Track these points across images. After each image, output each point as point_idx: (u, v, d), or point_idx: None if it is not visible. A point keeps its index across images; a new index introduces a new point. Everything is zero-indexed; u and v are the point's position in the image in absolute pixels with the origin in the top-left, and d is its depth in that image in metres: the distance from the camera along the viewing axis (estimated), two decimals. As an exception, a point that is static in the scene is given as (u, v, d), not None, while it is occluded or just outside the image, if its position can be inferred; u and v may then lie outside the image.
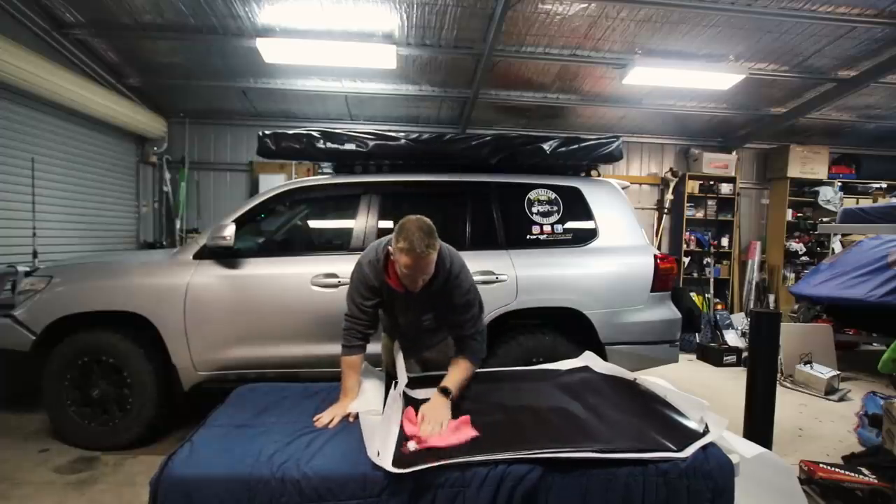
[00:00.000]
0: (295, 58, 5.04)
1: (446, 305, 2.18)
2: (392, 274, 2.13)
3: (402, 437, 1.73)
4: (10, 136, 4.30)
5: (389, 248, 2.07)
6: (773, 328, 3.06)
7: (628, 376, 2.29)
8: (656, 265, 3.37)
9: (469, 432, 1.76)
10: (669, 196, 7.37)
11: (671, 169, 7.45)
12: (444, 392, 1.97)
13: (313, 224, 3.75)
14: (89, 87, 4.91)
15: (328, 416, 1.97)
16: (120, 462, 2.99)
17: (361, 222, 3.32)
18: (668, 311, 3.44)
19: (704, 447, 1.66)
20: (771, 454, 1.76)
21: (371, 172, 3.51)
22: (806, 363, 4.84)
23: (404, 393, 2.08)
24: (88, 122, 5.26)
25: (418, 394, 2.13)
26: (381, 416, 1.90)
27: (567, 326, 3.26)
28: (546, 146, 3.50)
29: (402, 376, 2.17)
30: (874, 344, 5.97)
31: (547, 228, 3.42)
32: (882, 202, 7.05)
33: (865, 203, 6.77)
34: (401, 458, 1.59)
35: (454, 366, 2.13)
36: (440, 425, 1.78)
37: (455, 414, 1.92)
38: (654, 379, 2.18)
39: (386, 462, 1.55)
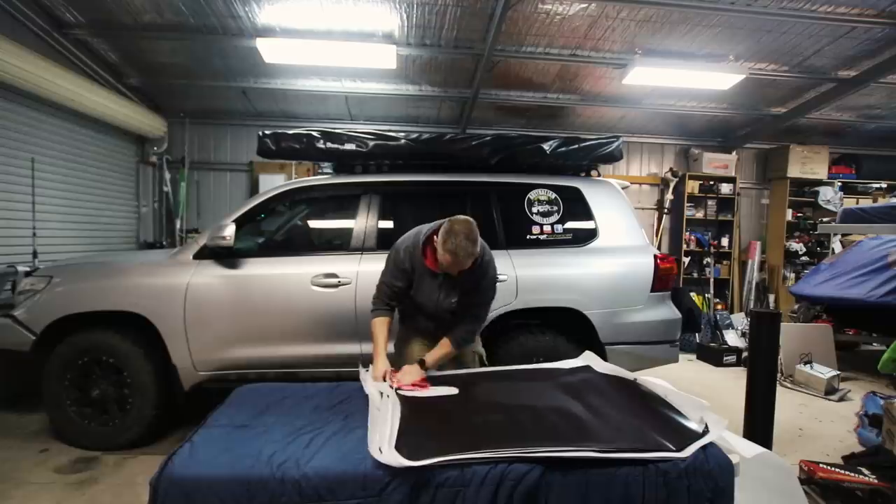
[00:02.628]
0: (295, 58, 5.04)
1: (471, 293, 2.44)
2: (430, 256, 2.38)
3: (402, 433, 1.73)
4: (10, 136, 4.29)
5: (435, 237, 2.30)
6: (773, 328, 3.06)
7: (628, 376, 2.29)
8: (656, 265, 3.38)
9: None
10: (669, 196, 7.37)
11: (671, 169, 7.45)
12: (421, 363, 2.32)
13: (313, 224, 3.75)
14: (89, 87, 4.91)
15: (376, 377, 2.26)
16: (120, 462, 2.99)
17: (361, 222, 3.32)
18: (668, 311, 3.44)
19: (704, 447, 1.66)
20: (771, 454, 1.76)
21: (371, 172, 3.51)
22: (806, 363, 4.84)
23: (398, 391, 2.10)
24: (88, 122, 5.25)
25: (411, 393, 2.14)
26: (379, 412, 1.91)
27: (567, 326, 3.27)
28: (546, 146, 3.50)
29: (383, 384, 2.22)
30: (874, 344, 5.96)
31: (547, 228, 3.42)
32: (882, 202, 7.04)
33: (865, 203, 6.77)
34: (402, 450, 1.59)
35: (441, 344, 2.42)
36: (413, 378, 2.20)
37: (456, 413, 1.93)
38: (654, 379, 2.18)
39: (387, 457, 1.55)
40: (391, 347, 2.56)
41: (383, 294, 2.47)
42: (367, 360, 2.48)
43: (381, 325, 2.44)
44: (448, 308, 2.46)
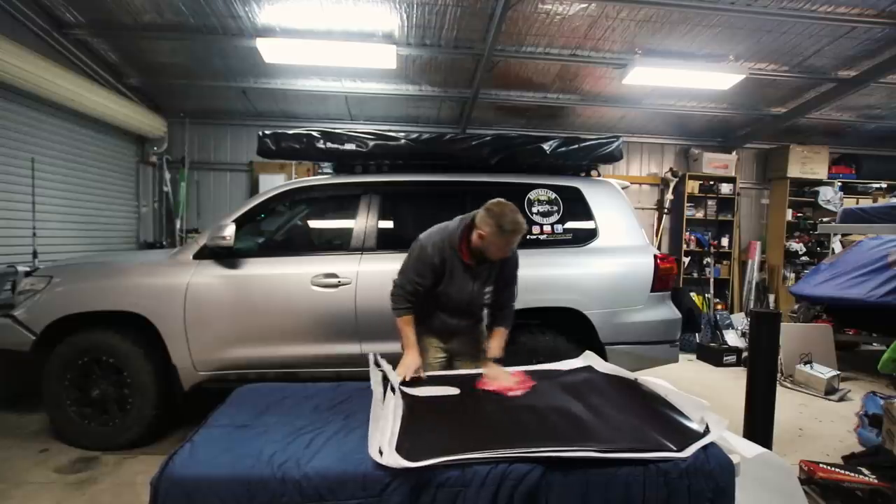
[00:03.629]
0: (295, 58, 5.04)
1: (504, 277, 2.50)
2: (464, 250, 2.36)
3: (403, 433, 1.73)
4: (10, 136, 4.29)
5: (479, 233, 2.28)
6: (773, 328, 3.06)
7: (629, 376, 2.29)
8: (656, 265, 3.38)
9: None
10: (669, 196, 7.37)
11: (671, 169, 7.45)
12: (497, 361, 2.38)
13: (313, 224, 3.75)
14: (89, 87, 4.91)
15: (404, 370, 2.25)
16: (120, 462, 2.99)
17: (361, 222, 3.32)
18: (668, 311, 3.44)
19: (705, 447, 1.66)
20: (771, 454, 1.76)
21: (371, 172, 3.51)
22: (806, 363, 4.84)
23: (402, 390, 2.10)
24: (88, 122, 5.25)
25: (415, 391, 2.14)
26: (381, 411, 1.90)
27: (567, 326, 3.26)
28: (546, 146, 3.51)
29: (394, 377, 2.21)
30: (874, 344, 5.97)
31: (547, 228, 3.42)
32: (882, 202, 7.04)
33: (865, 203, 6.77)
34: (402, 451, 1.59)
35: (496, 334, 2.51)
36: (509, 380, 2.20)
37: (456, 413, 1.94)
38: (655, 379, 2.17)
39: (387, 459, 1.55)
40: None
41: (405, 292, 2.41)
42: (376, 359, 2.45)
43: (408, 323, 2.42)
44: (482, 300, 2.48)
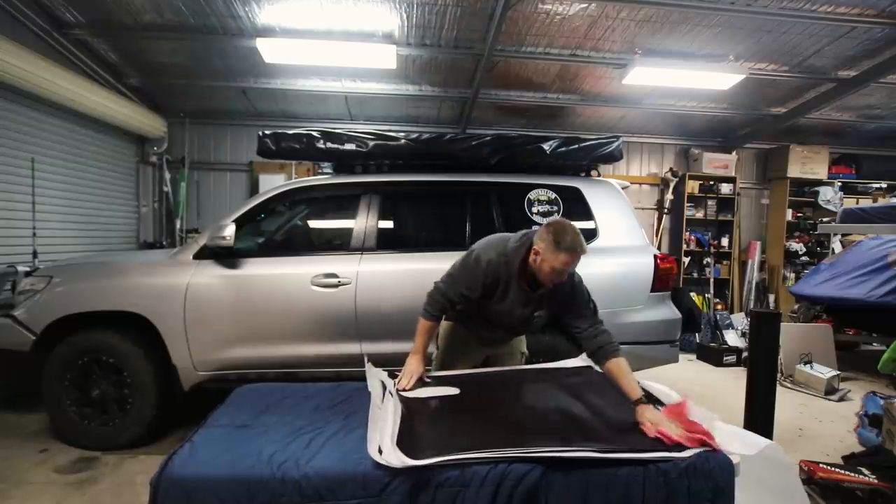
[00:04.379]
0: (295, 58, 5.04)
1: (569, 305, 2.24)
2: (522, 272, 2.18)
3: (403, 433, 1.73)
4: (10, 136, 4.29)
5: (535, 250, 2.10)
6: (773, 328, 3.07)
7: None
8: (656, 265, 3.37)
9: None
10: (669, 196, 7.37)
11: (671, 169, 7.45)
12: (643, 402, 1.90)
13: (313, 224, 3.75)
14: (89, 87, 4.91)
15: (406, 380, 2.18)
16: (120, 462, 2.99)
17: (361, 222, 3.32)
18: (668, 311, 3.43)
19: (704, 447, 1.66)
20: (777, 446, 1.74)
21: (371, 172, 3.51)
22: (806, 363, 4.84)
23: (399, 392, 2.10)
24: (88, 122, 5.25)
25: (415, 394, 2.14)
26: (380, 411, 1.90)
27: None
28: (546, 146, 3.51)
29: (387, 379, 2.23)
30: (874, 344, 5.97)
31: (547, 228, 3.42)
32: (882, 202, 7.04)
33: (865, 203, 6.77)
34: (402, 450, 1.59)
35: (616, 370, 2.04)
36: (676, 426, 1.76)
37: (456, 413, 1.93)
38: (659, 386, 2.16)
39: (387, 457, 1.55)
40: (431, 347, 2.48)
41: (446, 300, 2.27)
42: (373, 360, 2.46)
43: (427, 329, 2.30)
44: (534, 323, 2.32)
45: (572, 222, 2.14)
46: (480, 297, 2.25)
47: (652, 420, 1.79)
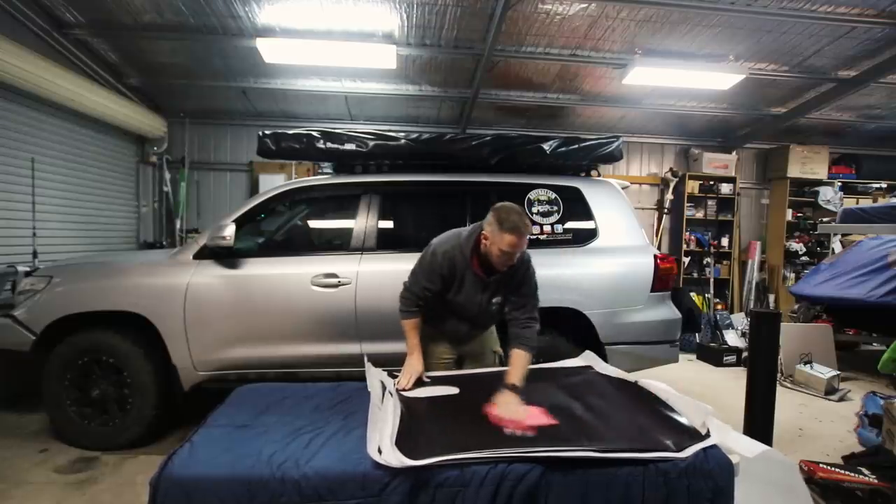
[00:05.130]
0: (295, 58, 5.04)
1: (517, 289, 2.35)
2: (475, 259, 2.28)
3: (402, 433, 1.73)
4: (10, 136, 4.29)
5: (483, 238, 2.20)
6: (773, 328, 3.07)
7: (629, 379, 2.29)
8: (656, 265, 3.38)
9: (548, 419, 1.85)
10: (669, 196, 7.37)
11: (671, 169, 7.45)
12: (513, 388, 2.05)
13: (313, 224, 3.75)
14: (89, 87, 4.91)
15: (405, 379, 2.22)
16: (120, 462, 2.99)
17: (361, 222, 3.32)
18: (668, 311, 3.44)
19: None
20: (774, 451, 1.75)
21: (371, 172, 3.51)
22: (806, 363, 4.84)
23: (399, 392, 2.10)
24: (88, 122, 5.25)
25: (415, 393, 2.14)
26: (379, 412, 1.91)
27: (567, 326, 3.26)
28: (546, 146, 3.51)
29: (387, 379, 2.24)
30: (874, 344, 5.97)
31: (547, 228, 3.42)
32: (882, 202, 7.04)
33: (865, 203, 6.77)
34: (401, 450, 1.59)
35: (515, 358, 2.20)
36: (518, 411, 1.89)
37: (456, 413, 1.93)
38: (656, 382, 2.17)
39: (386, 457, 1.55)
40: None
41: (414, 296, 2.37)
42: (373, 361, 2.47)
43: (413, 327, 2.38)
44: (492, 310, 2.40)
45: (519, 207, 2.22)
46: (441, 289, 2.34)
47: (502, 402, 1.95)
